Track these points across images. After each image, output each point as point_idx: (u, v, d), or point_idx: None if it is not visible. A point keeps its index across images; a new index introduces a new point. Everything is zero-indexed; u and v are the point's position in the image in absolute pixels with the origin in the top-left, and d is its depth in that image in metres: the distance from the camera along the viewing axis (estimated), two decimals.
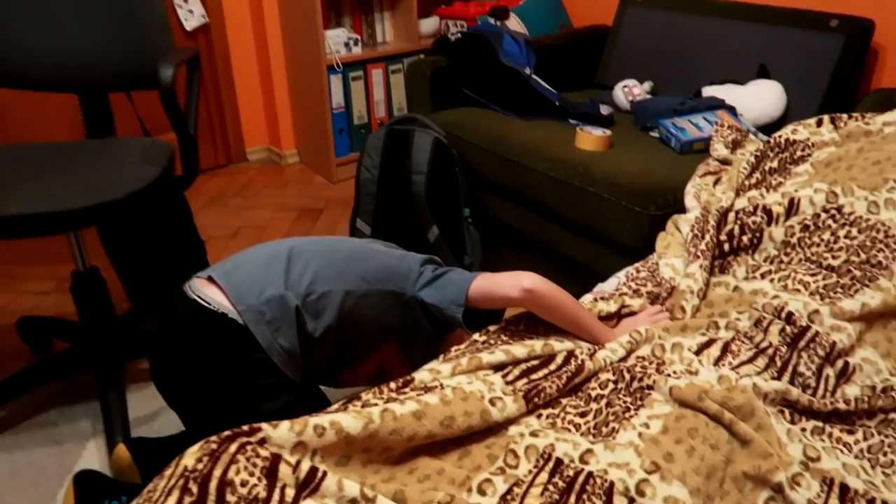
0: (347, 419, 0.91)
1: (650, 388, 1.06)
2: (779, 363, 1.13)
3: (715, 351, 1.14)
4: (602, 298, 1.35)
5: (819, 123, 1.64)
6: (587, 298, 1.38)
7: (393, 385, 1.08)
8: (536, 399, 1.05)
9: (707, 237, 1.39)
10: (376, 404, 1.00)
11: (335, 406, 1.04)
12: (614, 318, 1.30)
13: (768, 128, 2.02)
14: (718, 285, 1.35)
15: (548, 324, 1.25)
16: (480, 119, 2.09)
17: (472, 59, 2.20)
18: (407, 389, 1.06)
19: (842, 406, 1.05)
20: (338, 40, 2.80)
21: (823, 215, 1.34)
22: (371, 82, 2.96)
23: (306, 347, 1.23)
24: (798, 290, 1.24)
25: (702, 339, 1.17)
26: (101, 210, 1.32)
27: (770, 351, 1.15)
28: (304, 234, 2.60)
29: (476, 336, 1.26)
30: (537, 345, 1.17)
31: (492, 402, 1.01)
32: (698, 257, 1.35)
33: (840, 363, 1.13)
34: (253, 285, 1.19)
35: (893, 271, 1.24)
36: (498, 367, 1.13)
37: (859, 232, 1.29)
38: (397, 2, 2.98)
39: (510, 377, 1.08)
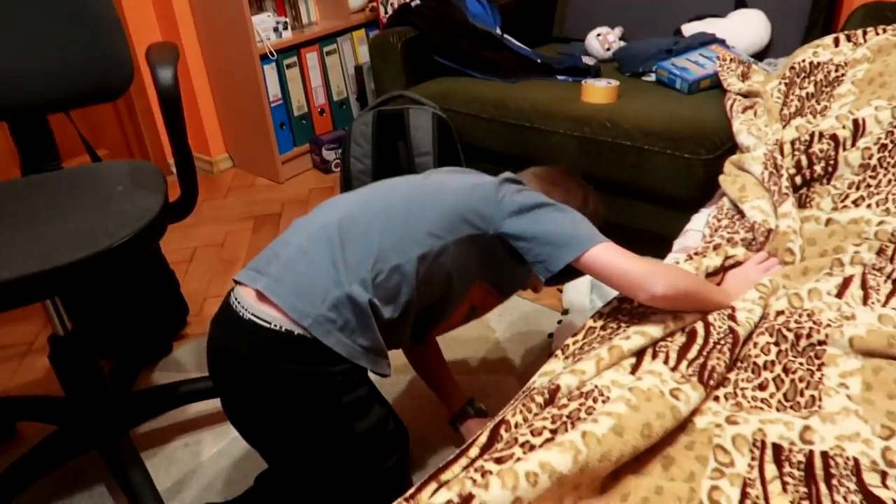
0: (557, 457, 0.75)
1: (822, 343, 0.96)
2: None
3: (856, 290, 1.06)
4: (697, 254, 1.23)
5: (836, 43, 1.60)
6: (677, 257, 1.27)
7: (539, 399, 0.92)
8: (711, 381, 0.92)
9: (785, 173, 1.31)
10: (547, 429, 0.84)
11: (501, 444, 0.86)
12: (719, 273, 1.19)
13: (757, 56, 1.98)
14: (806, 220, 1.27)
15: None
16: (467, 88, 1.92)
17: (442, 25, 2.01)
18: (566, 401, 0.90)
19: None
20: (265, 26, 2.51)
21: None
22: (307, 68, 2.69)
23: (388, 333, 1.06)
24: None
25: (837, 280, 1.08)
26: (107, 257, 1.05)
27: None
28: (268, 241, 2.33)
29: (591, 322, 1.12)
30: (667, 319, 1.04)
31: (674, 395, 0.88)
32: (786, 195, 1.26)
33: None
34: (311, 291, 1.00)
35: None
36: (638, 353, 1.00)
37: None
38: None
39: (671, 362, 0.94)
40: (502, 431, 0.90)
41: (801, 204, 1.31)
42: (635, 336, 1.01)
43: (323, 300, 0.99)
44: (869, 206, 1.22)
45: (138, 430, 1.57)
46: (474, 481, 0.74)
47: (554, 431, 0.86)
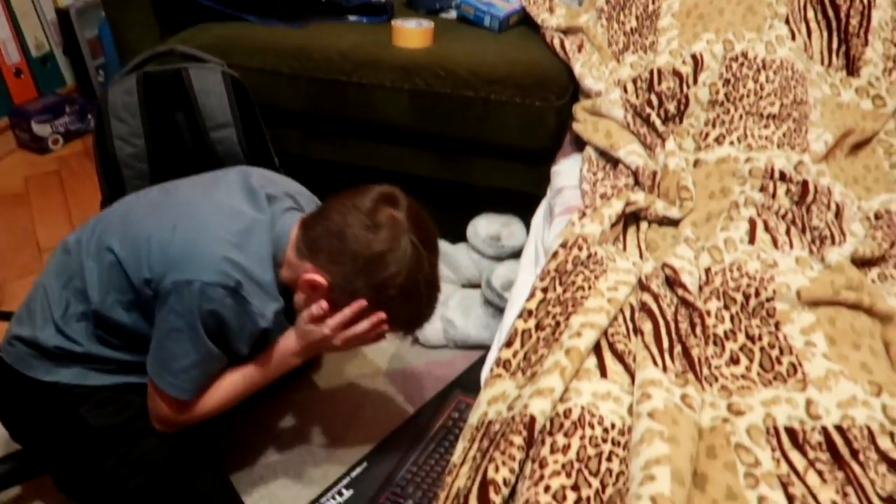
0: None
1: (770, 299, 0.91)
2: (800, 224, 1.09)
3: (763, 234, 1.04)
4: (588, 208, 1.11)
5: None
6: (564, 219, 1.14)
7: (518, 440, 0.74)
8: (705, 371, 0.82)
9: (651, 112, 1.25)
10: (568, 488, 0.67)
11: None
12: (620, 221, 1.10)
13: None
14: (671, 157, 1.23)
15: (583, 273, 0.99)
16: (250, 36, 1.54)
17: None
18: (563, 439, 0.73)
19: (886, 244, 1.05)
20: None
21: (734, 65, 1.30)
22: None
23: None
24: (766, 147, 1.20)
25: (745, 226, 1.05)
26: None
27: (790, 216, 1.09)
28: None
29: (521, 324, 0.94)
30: (599, 299, 0.92)
31: (688, 405, 0.76)
32: (667, 133, 1.21)
33: (834, 206, 1.14)
34: (26, 315, 1.01)
35: (810, 104, 1.28)
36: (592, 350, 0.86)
37: (774, 73, 1.28)
38: None
39: (658, 362, 0.82)
40: (492, 495, 0.70)
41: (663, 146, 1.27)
42: (585, 331, 0.86)
43: (20, 327, 1.00)
44: (731, 143, 1.22)
45: None
46: None
47: (576, 488, 0.69)
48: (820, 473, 0.71)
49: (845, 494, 0.69)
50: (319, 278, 0.90)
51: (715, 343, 0.88)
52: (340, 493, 1.06)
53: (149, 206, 1.00)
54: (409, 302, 0.95)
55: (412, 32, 1.51)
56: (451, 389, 1.24)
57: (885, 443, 0.74)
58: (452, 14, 1.76)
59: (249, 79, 1.48)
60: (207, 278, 0.88)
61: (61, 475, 1.06)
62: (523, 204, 1.51)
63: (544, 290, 0.97)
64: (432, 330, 1.42)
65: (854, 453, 0.72)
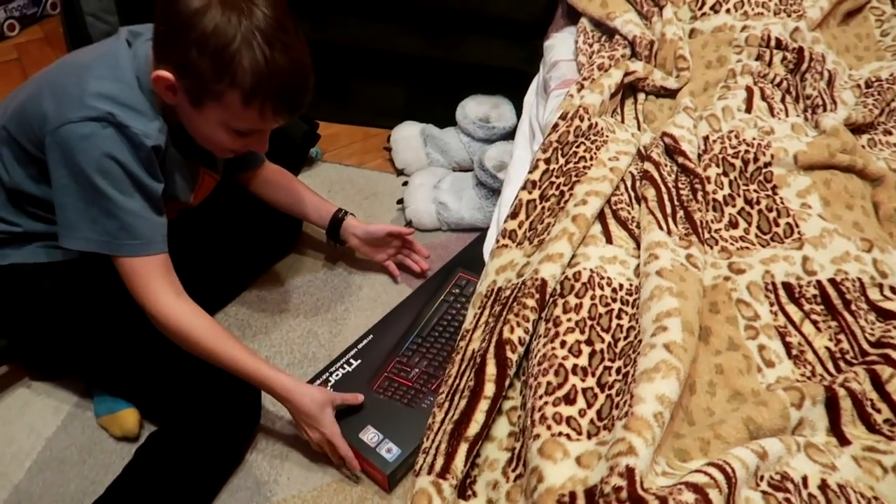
0: (666, 386, 0.63)
1: (768, 164, 0.93)
2: (794, 93, 1.10)
3: (760, 102, 1.05)
4: (586, 79, 1.10)
5: None
6: (561, 93, 1.13)
7: (531, 302, 0.77)
8: (706, 234, 0.85)
9: None
10: (581, 342, 0.71)
11: None
12: (619, 92, 1.09)
13: None
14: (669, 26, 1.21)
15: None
16: None
17: None
18: (574, 299, 0.76)
19: (877, 111, 1.07)
20: None
21: None
22: None
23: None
24: (762, 14, 1.18)
25: (742, 94, 1.05)
26: None
27: (785, 84, 1.09)
28: None
29: (525, 195, 0.95)
30: (601, 168, 0.93)
31: (693, 265, 0.79)
32: (658, 5, 1.18)
33: (827, 74, 1.14)
34: None
35: None
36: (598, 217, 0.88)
37: None
38: None
39: (663, 226, 0.84)
40: (508, 353, 0.74)
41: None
42: (590, 199, 0.88)
43: None
44: (728, 10, 1.20)
45: None
46: (599, 440, 0.58)
47: (590, 342, 0.72)
48: (815, 323, 0.76)
49: (838, 341, 0.74)
50: (164, 73, 0.84)
51: (715, 209, 0.91)
52: (349, 363, 1.10)
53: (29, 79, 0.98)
54: (254, 60, 0.81)
55: None
56: (452, 266, 1.26)
57: (874, 294, 0.78)
58: None
59: None
60: (75, 116, 0.84)
61: (35, 356, 1.09)
62: (512, 85, 1.48)
63: (547, 161, 0.98)
64: (426, 214, 1.42)
65: (846, 304, 0.77)
